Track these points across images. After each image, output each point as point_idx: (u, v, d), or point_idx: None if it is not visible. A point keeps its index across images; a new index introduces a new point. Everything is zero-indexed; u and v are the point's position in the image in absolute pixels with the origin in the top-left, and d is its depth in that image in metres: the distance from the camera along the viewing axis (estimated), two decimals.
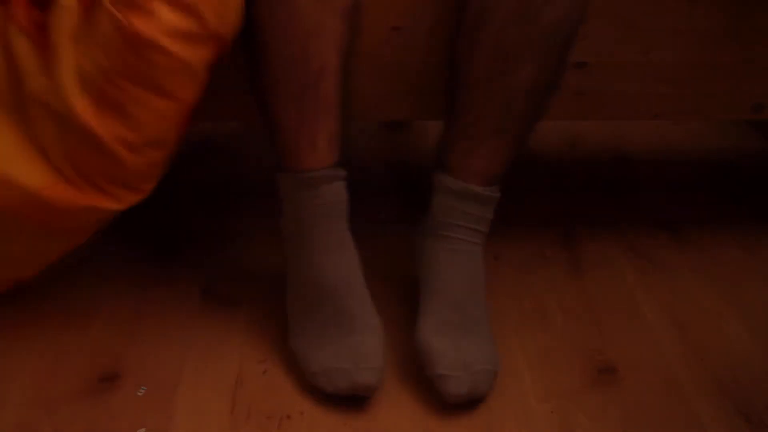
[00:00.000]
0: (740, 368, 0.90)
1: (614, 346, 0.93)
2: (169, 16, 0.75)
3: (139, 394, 0.85)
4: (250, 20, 0.83)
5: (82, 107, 0.77)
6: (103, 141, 0.78)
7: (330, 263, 0.87)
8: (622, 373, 0.89)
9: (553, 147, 1.37)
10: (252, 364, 0.89)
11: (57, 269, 1.04)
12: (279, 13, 0.81)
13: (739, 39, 0.97)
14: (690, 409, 0.84)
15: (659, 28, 0.96)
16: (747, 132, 1.45)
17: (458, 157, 0.90)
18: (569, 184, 1.27)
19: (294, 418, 0.82)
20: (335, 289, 0.86)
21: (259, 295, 0.99)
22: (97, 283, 1.02)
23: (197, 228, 1.14)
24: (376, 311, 0.88)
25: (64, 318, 0.95)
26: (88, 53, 0.77)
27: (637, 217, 1.18)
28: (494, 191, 0.91)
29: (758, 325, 0.96)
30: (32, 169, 0.80)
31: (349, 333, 0.85)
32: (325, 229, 0.88)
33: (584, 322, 0.97)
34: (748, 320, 0.97)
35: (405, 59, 0.95)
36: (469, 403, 0.84)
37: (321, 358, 0.85)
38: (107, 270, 1.04)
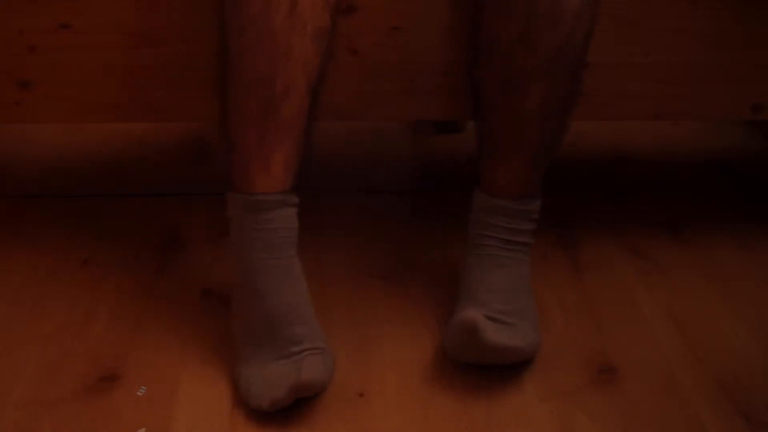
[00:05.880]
0: (740, 368, 0.90)
1: (614, 346, 0.93)
2: None
3: (139, 394, 0.85)
4: (223, 33, 0.83)
5: None
6: None
7: (277, 293, 0.85)
8: (622, 373, 0.89)
9: None
10: None
11: (57, 269, 1.04)
12: (249, 32, 0.81)
13: (739, 39, 0.97)
14: (690, 409, 0.84)
15: (659, 28, 0.96)
16: (747, 132, 1.45)
17: (485, 174, 0.92)
18: (569, 184, 1.27)
19: (294, 418, 0.82)
20: (284, 316, 0.84)
21: None
22: (97, 283, 1.02)
23: (197, 228, 1.14)
24: (325, 337, 0.87)
25: (64, 318, 0.96)
26: None
27: (637, 217, 1.18)
28: (524, 204, 0.91)
29: (758, 325, 0.96)
30: None
31: (295, 357, 0.83)
32: (272, 259, 0.85)
33: (584, 322, 0.97)
34: (748, 320, 0.97)
35: (405, 59, 0.95)
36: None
37: (263, 378, 0.83)
38: (107, 270, 1.04)
